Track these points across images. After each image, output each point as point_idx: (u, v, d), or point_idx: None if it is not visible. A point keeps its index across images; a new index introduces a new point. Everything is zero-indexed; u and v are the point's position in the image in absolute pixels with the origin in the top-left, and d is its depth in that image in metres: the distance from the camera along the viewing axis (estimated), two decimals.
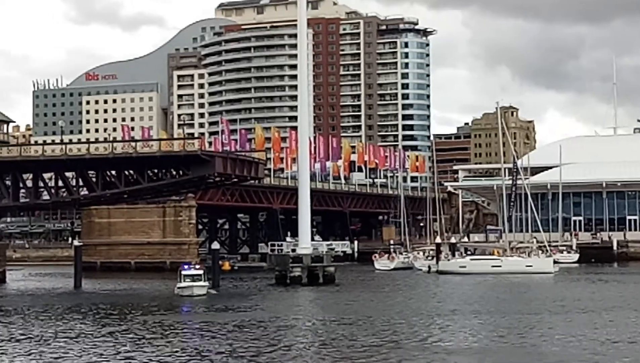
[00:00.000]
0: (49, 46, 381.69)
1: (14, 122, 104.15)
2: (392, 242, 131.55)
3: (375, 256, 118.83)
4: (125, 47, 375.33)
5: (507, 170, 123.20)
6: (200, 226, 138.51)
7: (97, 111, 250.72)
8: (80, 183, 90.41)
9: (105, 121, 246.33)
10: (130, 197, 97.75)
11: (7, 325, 52.71)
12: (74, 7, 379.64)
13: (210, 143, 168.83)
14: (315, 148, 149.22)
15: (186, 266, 75.40)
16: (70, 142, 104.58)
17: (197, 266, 76.55)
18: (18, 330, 50.22)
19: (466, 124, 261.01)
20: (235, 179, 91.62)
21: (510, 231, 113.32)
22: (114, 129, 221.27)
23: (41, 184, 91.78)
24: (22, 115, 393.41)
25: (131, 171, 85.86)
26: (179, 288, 72.03)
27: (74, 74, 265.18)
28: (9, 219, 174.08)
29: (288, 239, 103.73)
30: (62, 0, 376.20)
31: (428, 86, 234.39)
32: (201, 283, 72.10)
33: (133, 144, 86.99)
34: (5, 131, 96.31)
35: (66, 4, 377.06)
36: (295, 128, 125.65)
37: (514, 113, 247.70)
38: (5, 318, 57.49)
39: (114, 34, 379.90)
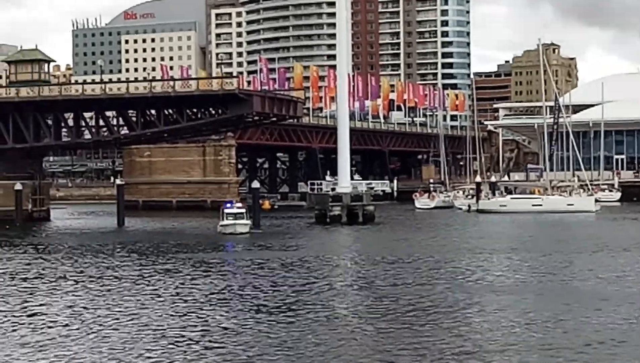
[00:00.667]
0: None
1: (55, 61, 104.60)
2: (431, 181, 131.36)
3: (415, 195, 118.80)
4: None
5: (548, 108, 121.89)
6: (240, 166, 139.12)
7: (135, 50, 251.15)
8: (121, 122, 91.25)
9: (144, 60, 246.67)
10: (170, 136, 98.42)
11: (53, 263, 53.71)
12: None
13: (248, 82, 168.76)
14: (354, 86, 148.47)
15: (228, 205, 75.82)
16: (110, 81, 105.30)
17: (240, 205, 76.78)
18: (64, 268, 51.17)
19: (507, 62, 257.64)
20: (273, 118, 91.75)
21: (552, 169, 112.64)
22: (153, 69, 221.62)
23: (82, 123, 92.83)
24: (62, 55, 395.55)
25: (170, 111, 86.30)
26: (221, 226, 72.47)
27: (113, 13, 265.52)
28: (51, 159, 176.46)
29: (327, 178, 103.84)
30: None
31: (468, 23, 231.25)
32: (243, 221, 72.45)
33: (171, 83, 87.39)
34: (46, 70, 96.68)
35: None
36: (334, 67, 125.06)
37: (556, 50, 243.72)
38: (51, 256, 58.57)
39: None
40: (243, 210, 74.02)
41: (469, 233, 74.77)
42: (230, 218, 72.32)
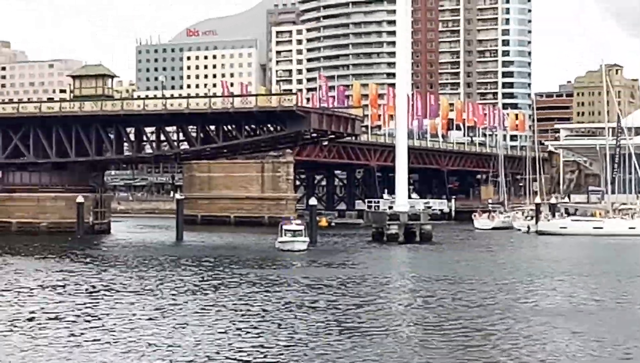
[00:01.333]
0: (152, 2, 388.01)
1: (118, 77, 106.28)
2: (490, 201, 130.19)
3: (475, 215, 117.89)
4: (226, 3, 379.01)
5: (610, 129, 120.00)
6: (297, 182, 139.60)
7: (197, 67, 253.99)
8: (181, 138, 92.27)
9: (206, 76, 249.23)
10: (229, 152, 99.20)
11: (114, 276, 54.38)
12: None
13: (307, 99, 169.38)
14: (413, 105, 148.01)
15: (287, 221, 76.00)
16: (171, 97, 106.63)
17: (298, 222, 76.90)
18: (124, 281, 51.75)
19: (568, 82, 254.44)
20: (331, 136, 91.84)
21: (613, 192, 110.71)
22: (214, 85, 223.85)
23: (144, 138, 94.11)
24: (125, 70, 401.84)
25: (229, 126, 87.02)
26: (279, 242, 72.71)
27: (176, 30, 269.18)
28: (113, 172, 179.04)
29: (385, 196, 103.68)
30: None
31: (529, 42, 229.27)
32: (302, 238, 72.58)
33: (231, 99, 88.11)
34: (109, 85, 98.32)
35: None
36: (393, 85, 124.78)
37: (619, 71, 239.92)
38: (112, 268, 59.33)
39: None
40: (301, 227, 74.10)
41: (527, 255, 73.88)
42: (289, 235, 72.48)
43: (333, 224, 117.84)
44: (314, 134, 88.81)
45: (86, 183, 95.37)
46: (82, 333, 33.95)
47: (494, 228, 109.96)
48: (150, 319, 37.28)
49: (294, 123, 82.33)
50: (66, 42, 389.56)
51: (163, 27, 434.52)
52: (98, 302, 42.50)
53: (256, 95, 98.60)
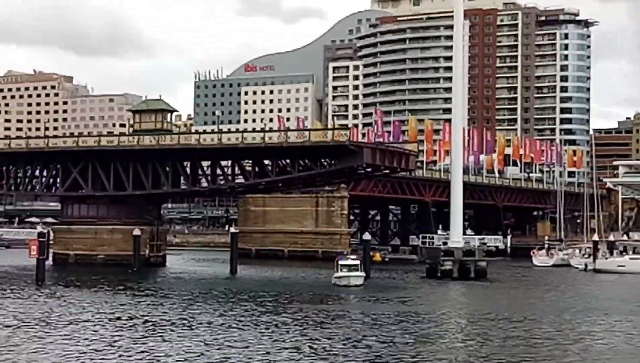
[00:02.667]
0: (213, 38, 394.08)
1: (177, 111, 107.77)
2: (547, 238, 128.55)
3: (534, 252, 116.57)
4: (285, 39, 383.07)
5: None
6: (352, 217, 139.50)
7: (254, 102, 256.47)
8: (237, 171, 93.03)
9: (262, 111, 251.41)
10: (283, 186, 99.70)
11: (168, 309, 54.78)
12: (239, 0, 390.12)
13: (363, 134, 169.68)
14: (469, 140, 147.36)
15: (343, 256, 75.86)
16: (227, 131, 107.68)
17: (354, 257, 76.65)
18: (178, 315, 52.03)
19: (628, 118, 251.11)
20: (385, 171, 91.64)
21: None
22: (270, 120, 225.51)
23: (200, 172, 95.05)
24: (184, 105, 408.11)
25: (283, 161, 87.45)
26: (336, 277, 72.56)
27: (234, 65, 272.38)
28: (169, 206, 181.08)
29: (439, 232, 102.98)
30: None
31: (588, 78, 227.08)
32: (358, 273, 72.38)
33: (286, 134, 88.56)
34: (168, 120, 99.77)
35: None
36: (449, 120, 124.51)
37: None
38: (166, 301, 59.83)
39: (275, 26, 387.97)
40: (357, 262, 73.95)
41: (584, 293, 72.64)
42: (345, 270, 72.33)
43: (387, 259, 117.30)
44: (368, 169, 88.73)
45: (143, 216, 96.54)
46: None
47: (553, 265, 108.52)
48: (202, 354, 37.45)
49: (347, 158, 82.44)
50: (127, 76, 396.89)
51: (222, 63, 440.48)
52: (152, 335, 42.82)
53: (309, 130, 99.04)
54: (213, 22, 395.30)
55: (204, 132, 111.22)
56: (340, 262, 73.62)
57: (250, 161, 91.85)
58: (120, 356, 36.41)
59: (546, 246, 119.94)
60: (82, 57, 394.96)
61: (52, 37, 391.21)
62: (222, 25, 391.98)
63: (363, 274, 72.96)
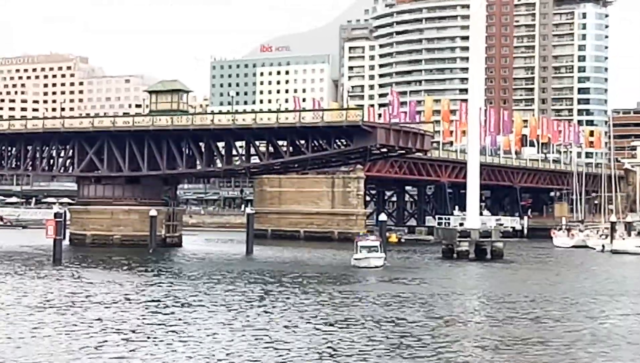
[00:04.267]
0: (231, 18, 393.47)
1: (192, 92, 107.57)
2: (565, 219, 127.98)
3: (554, 233, 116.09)
4: (302, 19, 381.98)
5: None
6: (368, 198, 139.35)
7: (270, 83, 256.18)
8: (252, 152, 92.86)
9: (278, 92, 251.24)
10: (299, 167, 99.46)
11: (184, 289, 54.82)
12: None
13: (379, 115, 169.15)
14: (485, 121, 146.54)
15: (363, 238, 75.55)
16: (240, 112, 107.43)
17: (374, 238, 76.30)
18: (194, 295, 52.03)
19: None
20: (401, 151, 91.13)
21: None
22: (286, 100, 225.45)
23: (215, 152, 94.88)
24: (201, 86, 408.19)
25: (298, 142, 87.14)
26: (355, 259, 72.26)
27: (250, 46, 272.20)
28: (186, 186, 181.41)
29: (456, 213, 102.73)
30: None
31: (606, 58, 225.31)
32: (377, 254, 72.02)
33: (301, 114, 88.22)
34: (184, 100, 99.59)
35: None
36: (466, 100, 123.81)
37: None
38: (182, 280, 59.90)
39: (293, 4, 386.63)
40: (377, 243, 73.52)
41: (601, 275, 72.22)
42: (365, 251, 72.00)
43: (403, 240, 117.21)
44: (383, 150, 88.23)
45: (159, 197, 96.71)
46: (159, 345, 34.28)
47: (574, 246, 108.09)
48: (222, 332, 37.41)
49: (361, 138, 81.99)
50: (143, 57, 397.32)
51: (237, 43, 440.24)
52: (167, 315, 42.83)
53: (323, 110, 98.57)
54: (233, 4, 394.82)
55: (219, 112, 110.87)
56: (359, 243, 73.28)
57: (264, 142, 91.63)
58: (142, 338, 36.33)
59: (566, 227, 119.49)
60: (99, 36, 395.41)
61: (71, 18, 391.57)
62: (241, 5, 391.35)
63: (383, 255, 72.62)
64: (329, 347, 34.21)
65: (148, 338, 35.99)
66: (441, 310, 45.87)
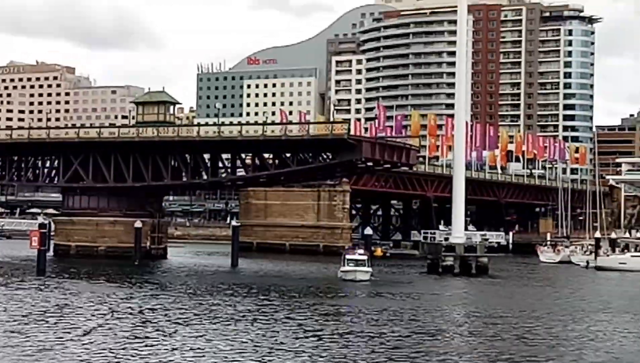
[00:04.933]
0: (219, 31, 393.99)
1: (180, 103, 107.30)
2: (550, 235, 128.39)
3: (539, 248, 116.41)
4: (292, 33, 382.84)
5: None
6: (353, 211, 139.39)
7: (257, 95, 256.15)
8: (238, 164, 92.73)
9: (265, 105, 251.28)
10: (284, 180, 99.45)
11: (169, 301, 54.55)
12: None
13: (366, 129, 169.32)
14: (471, 136, 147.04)
15: (350, 251, 75.41)
16: (226, 124, 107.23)
17: (361, 251, 76.20)
18: (179, 308, 51.78)
19: (631, 115, 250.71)
20: (386, 165, 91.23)
21: None
22: (273, 113, 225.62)
23: (200, 165, 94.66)
24: (187, 97, 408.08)
25: (285, 155, 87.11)
26: (342, 272, 72.14)
27: (239, 58, 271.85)
28: (171, 198, 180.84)
29: (441, 227, 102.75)
30: None
31: (592, 75, 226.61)
32: (364, 268, 71.90)
33: (288, 127, 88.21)
34: (171, 112, 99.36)
35: None
36: (452, 115, 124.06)
37: None
38: (167, 293, 59.63)
39: (284, 20, 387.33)
40: (365, 257, 73.42)
41: (584, 291, 72.44)
42: (352, 265, 71.88)
43: (388, 254, 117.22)
44: (368, 163, 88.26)
45: (144, 208, 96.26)
46: (133, 358, 34.11)
47: (560, 262, 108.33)
48: (206, 349, 37.26)
49: (346, 152, 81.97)
50: (131, 69, 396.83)
51: (224, 55, 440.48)
52: (151, 328, 42.62)
53: (309, 123, 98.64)
54: (224, 16, 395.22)
55: (205, 124, 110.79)
56: (347, 257, 73.18)
57: (250, 154, 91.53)
58: (126, 350, 36.14)
59: (552, 242, 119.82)
60: (86, 49, 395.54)
61: (59, 29, 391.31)
62: (230, 19, 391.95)
63: (370, 269, 72.51)
64: (315, 362, 34.11)
65: (131, 350, 35.81)
66: (427, 325, 45.87)
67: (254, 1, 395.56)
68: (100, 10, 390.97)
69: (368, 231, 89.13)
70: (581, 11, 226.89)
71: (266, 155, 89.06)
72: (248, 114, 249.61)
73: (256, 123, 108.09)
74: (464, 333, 43.59)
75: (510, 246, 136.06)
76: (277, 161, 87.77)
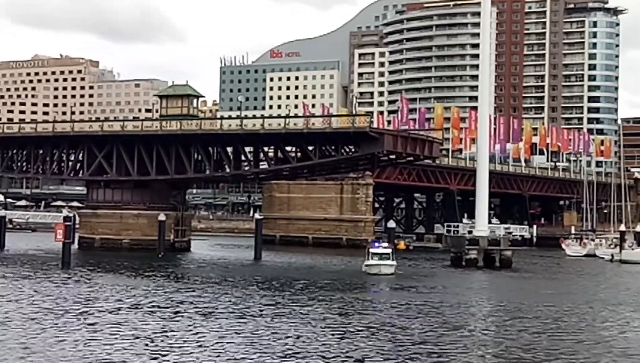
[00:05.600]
0: (243, 24, 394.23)
1: (203, 97, 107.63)
2: (574, 228, 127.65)
3: (565, 242, 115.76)
4: (315, 25, 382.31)
5: None
6: (376, 204, 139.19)
7: (279, 88, 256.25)
8: (261, 157, 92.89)
9: (287, 98, 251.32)
10: (307, 173, 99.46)
11: (193, 294, 54.75)
12: None
13: (389, 122, 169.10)
14: (495, 128, 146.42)
15: (375, 244, 75.29)
16: (246, 117, 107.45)
17: (386, 245, 75.96)
18: (204, 300, 51.94)
19: None
20: (409, 158, 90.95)
21: None
22: (295, 106, 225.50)
23: (224, 157, 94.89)
24: (211, 90, 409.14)
25: (305, 147, 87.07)
26: (366, 265, 72.02)
27: (260, 51, 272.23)
28: (194, 191, 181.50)
29: (464, 221, 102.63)
30: None
31: (617, 67, 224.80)
32: (389, 262, 71.73)
33: (310, 120, 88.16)
34: (194, 105, 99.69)
35: None
36: (475, 108, 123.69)
37: None
38: (191, 286, 59.85)
39: (307, 12, 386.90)
40: (389, 251, 73.17)
41: (609, 284, 71.95)
42: (376, 258, 71.75)
43: (411, 247, 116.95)
44: (391, 156, 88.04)
45: (167, 201, 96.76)
46: (159, 350, 34.26)
47: (586, 255, 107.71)
48: (229, 338, 37.34)
49: (368, 145, 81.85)
50: (155, 62, 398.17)
51: (247, 48, 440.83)
52: (177, 321, 42.78)
53: (330, 116, 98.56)
54: (246, 9, 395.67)
55: (229, 117, 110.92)
56: (371, 250, 73.00)
57: (272, 147, 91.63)
58: (152, 343, 36.23)
59: (577, 236, 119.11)
60: (110, 43, 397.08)
61: (83, 23, 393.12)
62: (253, 12, 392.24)
63: (394, 263, 72.30)
64: (340, 356, 34.11)
65: (153, 343, 35.97)
66: (452, 319, 45.74)
67: None
68: (124, 3, 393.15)
69: (391, 224, 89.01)
70: (606, 2, 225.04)
71: (289, 148, 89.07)
72: (271, 107, 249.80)
73: (279, 116, 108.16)
74: (489, 327, 43.44)
75: (534, 239, 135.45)
76: (299, 154, 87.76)
